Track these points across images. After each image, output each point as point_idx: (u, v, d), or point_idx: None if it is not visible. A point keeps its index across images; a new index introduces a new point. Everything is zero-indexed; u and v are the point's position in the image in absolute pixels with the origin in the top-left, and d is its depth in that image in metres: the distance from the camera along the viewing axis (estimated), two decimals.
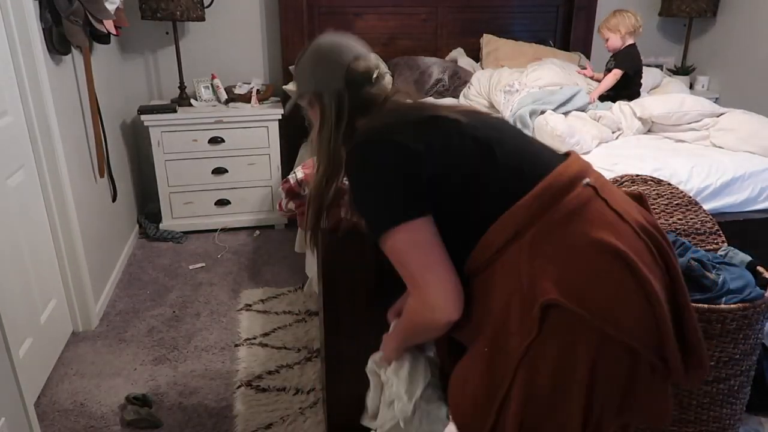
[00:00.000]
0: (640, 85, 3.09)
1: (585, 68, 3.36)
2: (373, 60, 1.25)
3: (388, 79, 1.25)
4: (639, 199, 1.20)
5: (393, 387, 1.25)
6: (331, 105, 1.20)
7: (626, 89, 2.99)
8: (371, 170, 1.09)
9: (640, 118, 2.58)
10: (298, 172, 1.79)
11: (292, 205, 1.65)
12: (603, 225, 1.00)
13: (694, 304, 1.57)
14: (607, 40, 3.07)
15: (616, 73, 2.97)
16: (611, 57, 3.08)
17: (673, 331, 0.99)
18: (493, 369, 1.02)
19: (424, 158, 1.06)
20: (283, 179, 1.77)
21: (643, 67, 3.12)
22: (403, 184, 1.05)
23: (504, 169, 1.07)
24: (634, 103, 2.68)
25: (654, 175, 1.99)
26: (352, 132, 1.20)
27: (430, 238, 1.05)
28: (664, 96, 2.74)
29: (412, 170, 1.06)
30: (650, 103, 2.60)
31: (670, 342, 0.99)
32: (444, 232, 1.07)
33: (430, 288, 1.03)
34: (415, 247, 1.04)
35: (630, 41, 3.02)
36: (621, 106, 2.67)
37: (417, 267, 1.04)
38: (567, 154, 1.15)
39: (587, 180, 1.06)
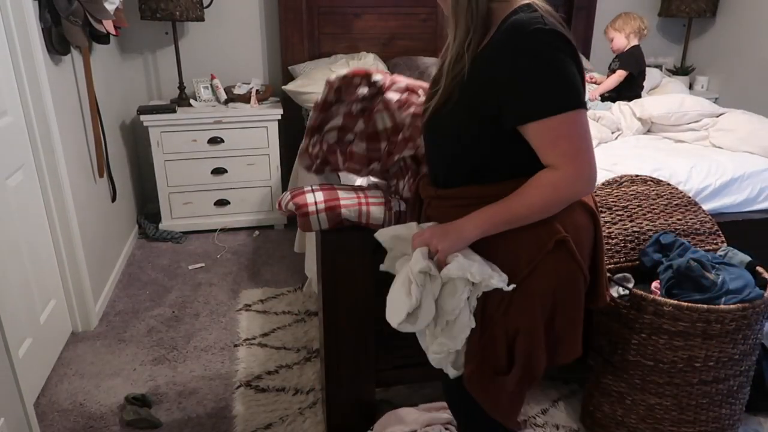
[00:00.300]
0: (643, 87, 3.10)
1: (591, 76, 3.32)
2: None
3: None
4: None
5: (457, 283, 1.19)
6: None
7: (629, 90, 2.99)
8: (561, 55, 1.10)
9: (639, 119, 2.58)
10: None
11: (292, 206, 1.64)
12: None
13: (693, 304, 1.58)
14: (612, 40, 3.07)
15: (620, 74, 2.98)
16: (615, 58, 3.08)
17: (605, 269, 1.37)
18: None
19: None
20: (293, 191, 1.72)
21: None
22: (580, 79, 1.12)
23: None
24: (633, 103, 2.68)
25: (653, 176, 1.99)
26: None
27: (590, 129, 1.16)
28: (663, 96, 2.75)
29: (580, 70, 1.13)
30: (650, 104, 2.60)
31: (604, 272, 1.36)
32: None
33: (592, 164, 1.15)
34: (586, 131, 1.14)
35: (635, 42, 3.02)
36: (620, 106, 2.68)
37: (586, 145, 1.15)
38: None
39: None
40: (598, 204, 1.48)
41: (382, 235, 1.39)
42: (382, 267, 1.42)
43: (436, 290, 1.21)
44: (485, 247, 1.23)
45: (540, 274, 1.20)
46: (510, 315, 1.22)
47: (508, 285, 1.19)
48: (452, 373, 1.30)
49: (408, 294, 1.20)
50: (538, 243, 1.19)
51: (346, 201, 1.62)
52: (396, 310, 1.23)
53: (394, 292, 1.27)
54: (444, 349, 1.26)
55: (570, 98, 1.11)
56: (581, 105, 1.12)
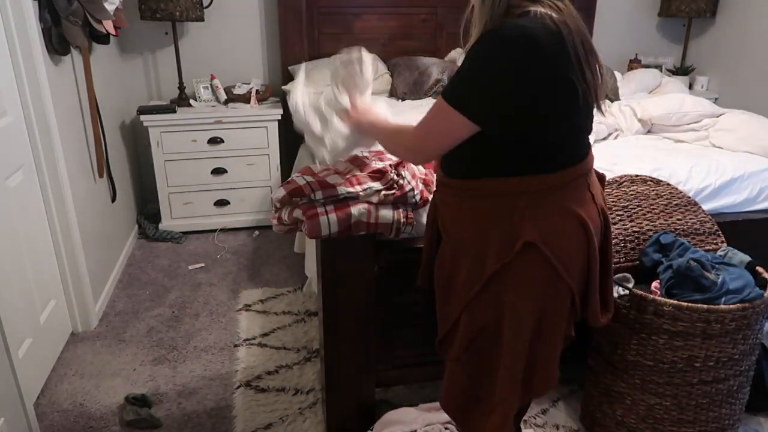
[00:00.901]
0: None
1: None
2: None
3: None
4: (602, 179, 1.43)
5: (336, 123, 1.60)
6: None
7: None
8: (491, 64, 1.13)
9: (640, 120, 2.59)
10: (299, 179, 1.77)
11: (298, 213, 1.63)
12: (579, 201, 1.28)
13: (693, 304, 1.58)
14: None
15: None
16: None
17: (597, 286, 1.36)
18: (471, 275, 1.28)
19: (533, 76, 1.14)
20: (285, 181, 1.74)
21: (643, 69, 3.12)
22: (502, 91, 1.14)
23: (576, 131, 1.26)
24: (634, 103, 2.68)
25: (653, 176, 1.99)
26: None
27: (457, 137, 1.22)
28: (663, 97, 2.75)
29: (518, 81, 1.13)
30: (650, 105, 2.60)
31: (596, 289, 1.34)
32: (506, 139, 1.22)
33: (419, 144, 1.31)
34: (445, 126, 1.22)
35: None
36: (621, 106, 2.68)
37: (433, 131, 1.26)
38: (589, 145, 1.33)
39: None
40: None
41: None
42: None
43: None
44: (459, 238, 1.32)
45: (510, 273, 1.24)
46: (474, 309, 1.30)
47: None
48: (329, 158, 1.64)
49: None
50: (507, 242, 1.23)
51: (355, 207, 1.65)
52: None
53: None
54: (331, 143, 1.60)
55: (459, 98, 1.18)
56: (462, 108, 1.17)
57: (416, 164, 1.60)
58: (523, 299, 1.25)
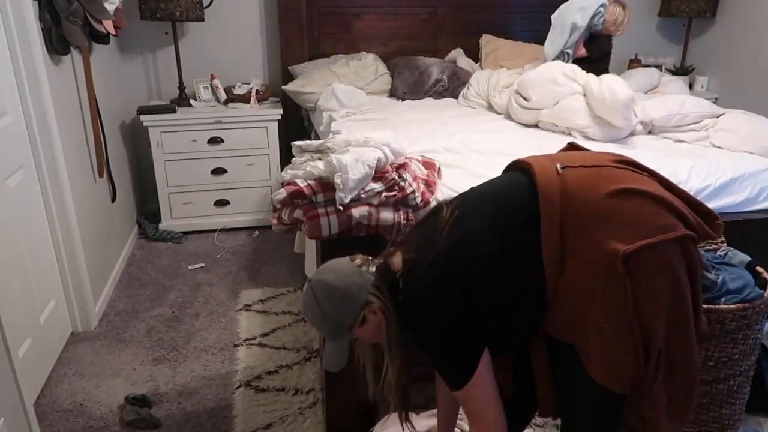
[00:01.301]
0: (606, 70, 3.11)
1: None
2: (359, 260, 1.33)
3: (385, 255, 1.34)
4: (576, 147, 1.43)
5: None
6: (382, 298, 1.26)
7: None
8: (443, 326, 1.21)
9: (641, 122, 2.59)
10: (300, 172, 1.75)
11: (298, 213, 1.62)
12: (597, 181, 1.22)
13: None
14: None
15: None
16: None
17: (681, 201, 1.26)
18: (624, 332, 1.17)
19: (473, 294, 1.20)
20: (285, 182, 1.73)
21: (642, 66, 3.12)
22: (466, 329, 1.21)
23: (514, 224, 1.24)
24: (635, 106, 2.67)
25: None
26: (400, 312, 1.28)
27: (490, 378, 1.26)
28: (663, 98, 2.73)
29: (473, 313, 1.21)
30: (650, 106, 2.60)
31: (684, 207, 1.24)
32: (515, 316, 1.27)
33: (489, 423, 1.26)
34: (482, 393, 1.25)
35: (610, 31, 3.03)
36: None
37: (484, 407, 1.26)
38: (524, 171, 1.30)
39: (558, 166, 1.25)
40: None
41: None
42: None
43: None
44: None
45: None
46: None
47: None
48: None
49: None
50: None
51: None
52: None
53: None
54: None
55: (462, 375, 1.23)
56: (470, 374, 1.22)
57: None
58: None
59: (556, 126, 2.59)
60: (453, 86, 3.36)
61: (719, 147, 2.36)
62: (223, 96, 3.47)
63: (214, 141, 3.34)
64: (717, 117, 2.48)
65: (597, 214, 1.19)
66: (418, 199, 1.70)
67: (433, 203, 1.68)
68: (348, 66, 3.39)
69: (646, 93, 3.26)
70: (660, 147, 2.40)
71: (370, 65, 3.45)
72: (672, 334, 1.18)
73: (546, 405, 1.41)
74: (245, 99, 3.46)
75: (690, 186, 2.03)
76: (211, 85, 3.51)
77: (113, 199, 3.00)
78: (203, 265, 3.11)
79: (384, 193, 1.65)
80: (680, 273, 1.18)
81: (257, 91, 3.51)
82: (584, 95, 2.55)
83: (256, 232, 3.51)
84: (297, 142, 1.93)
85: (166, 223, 3.45)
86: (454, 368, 1.25)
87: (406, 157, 1.83)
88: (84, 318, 2.51)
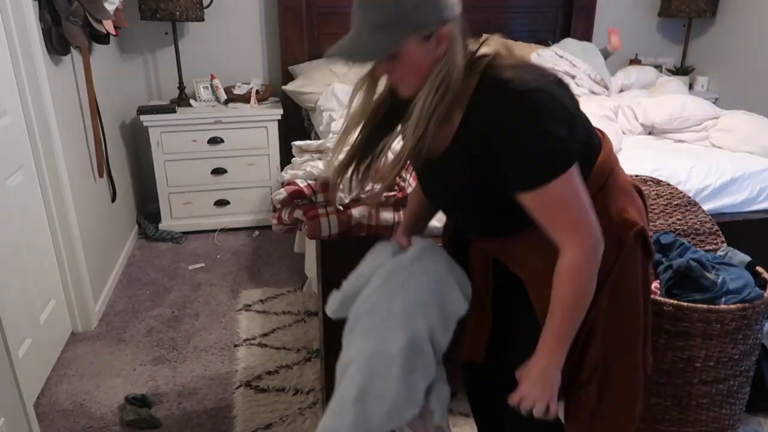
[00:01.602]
0: None
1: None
2: None
3: None
4: None
5: None
6: (457, 29, 1.07)
7: None
8: (544, 118, 1.04)
9: (642, 124, 2.59)
10: (300, 172, 1.76)
11: (298, 213, 1.62)
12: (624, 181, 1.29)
13: (693, 304, 1.58)
14: None
15: None
16: None
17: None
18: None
19: (574, 111, 1.12)
20: (285, 182, 1.73)
21: (639, 67, 3.16)
22: (567, 128, 1.07)
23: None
24: (635, 105, 2.68)
25: (653, 176, 1.99)
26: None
27: (580, 179, 1.10)
28: (664, 99, 2.72)
29: (573, 116, 1.11)
30: (651, 108, 2.60)
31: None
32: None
33: (593, 226, 1.09)
34: (578, 194, 1.08)
35: None
36: (623, 109, 2.67)
37: (584, 212, 1.09)
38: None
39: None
40: None
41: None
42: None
43: None
44: None
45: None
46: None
47: None
48: None
49: None
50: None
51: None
52: None
53: None
54: None
55: (556, 163, 1.05)
56: (565, 167, 1.05)
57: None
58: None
59: None
60: None
61: (719, 147, 2.36)
62: (223, 96, 3.47)
63: (214, 141, 3.34)
64: (717, 117, 2.48)
65: (628, 190, 1.26)
66: None
67: None
68: (348, 66, 3.39)
69: (644, 89, 3.29)
70: (660, 147, 2.40)
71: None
72: (616, 348, 1.24)
73: (475, 347, 1.35)
74: (245, 99, 3.46)
75: (690, 186, 2.03)
76: (211, 85, 3.51)
77: (113, 199, 3.00)
78: (203, 265, 3.11)
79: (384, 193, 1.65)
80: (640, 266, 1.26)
81: (257, 91, 3.51)
82: None
83: (256, 232, 3.51)
84: (297, 142, 1.92)
85: (166, 223, 3.45)
86: (551, 151, 1.05)
87: None
88: (84, 318, 2.51)
